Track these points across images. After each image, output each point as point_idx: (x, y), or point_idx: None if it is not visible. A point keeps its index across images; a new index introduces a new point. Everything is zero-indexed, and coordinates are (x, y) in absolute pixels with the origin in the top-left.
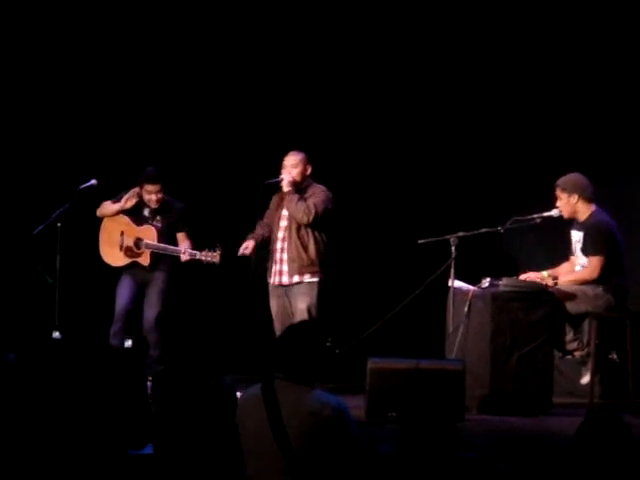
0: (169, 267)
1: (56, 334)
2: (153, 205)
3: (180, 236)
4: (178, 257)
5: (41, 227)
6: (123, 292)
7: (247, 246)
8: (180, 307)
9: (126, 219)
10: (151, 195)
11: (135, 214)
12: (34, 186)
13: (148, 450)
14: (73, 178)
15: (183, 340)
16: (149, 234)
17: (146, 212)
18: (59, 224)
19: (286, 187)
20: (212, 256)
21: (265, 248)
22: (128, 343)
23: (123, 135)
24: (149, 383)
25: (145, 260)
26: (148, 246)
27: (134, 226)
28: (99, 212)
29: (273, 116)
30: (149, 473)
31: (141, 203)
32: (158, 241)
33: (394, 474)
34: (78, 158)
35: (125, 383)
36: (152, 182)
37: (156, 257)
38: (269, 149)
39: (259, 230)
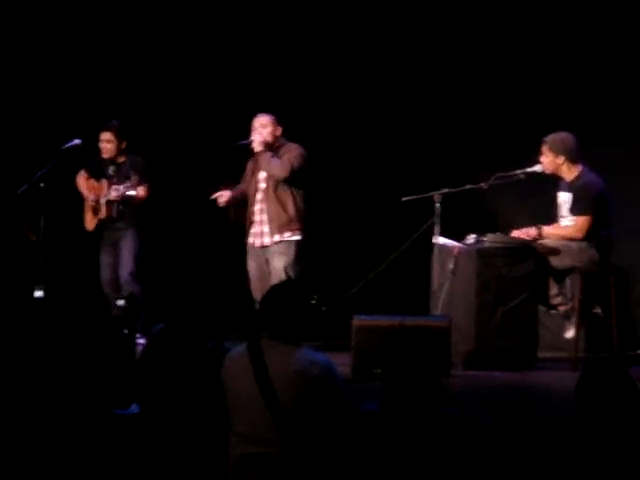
0: (136, 222)
1: (39, 293)
2: (105, 155)
3: (140, 189)
4: (142, 210)
5: (25, 187)
6: (102, 263)
7: (222, 194)
8: (172, 265)
9: (92, 182)
10: (102, 144)
11: (101, 175)
12: (18, 146)
13: (134, 410)
14: (57, 137)
15: (180, 300)
16: (102, 189)
17: (110, 170)
18: (43, 184)
19: (258, 147)
20: (130, 185)
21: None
22: (121, 302)
23: (106, 93)
24: (140, 341)
25: (102, 213)
26: (101, 200)
27: (96, 186)
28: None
29: (247, 76)
30: (135, 432)
31: (105, 163)
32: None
33: (379, 431)
34: (62, 117)
35: (112, 343)
36: (103, 129)
37: (117, 213)
38: (239, 112)
39: (237, 191)
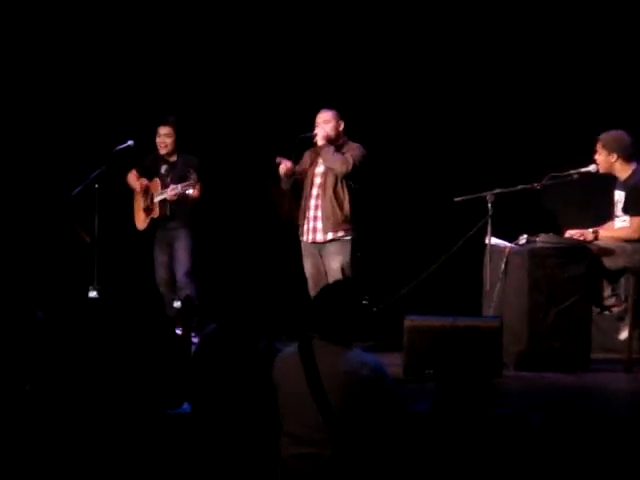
0: (189, 221)
1: (93, 293)
2: (162, 151)
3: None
4: (195, 210)
5: (80, 188)
6: (158, 264)
7: (286, 162)
8: (226, 265)
9: (144, 180)
10: (161, 138)
11: (153, 174)
12: (72, 148)
13: (186, 409)
14: (110, 139)
15: (234, 300)
16: (155, 186)
17: (163, 170)
18: (97, 185)
19: (320, 140)
20: (189, 184)
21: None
22: (177, 304)
23: (160, 95)
24: (194, 340)
25: (155, 213)
26: (154, 197)
27: (149, 185)
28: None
29: (306, 76)
30: (186, 432)
31: (157, 162)
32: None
33: (431, 432)
34: (115, 119)
35: (167, 343)
36: (162, 124)
37: (171, 212)
38: (301, 110)
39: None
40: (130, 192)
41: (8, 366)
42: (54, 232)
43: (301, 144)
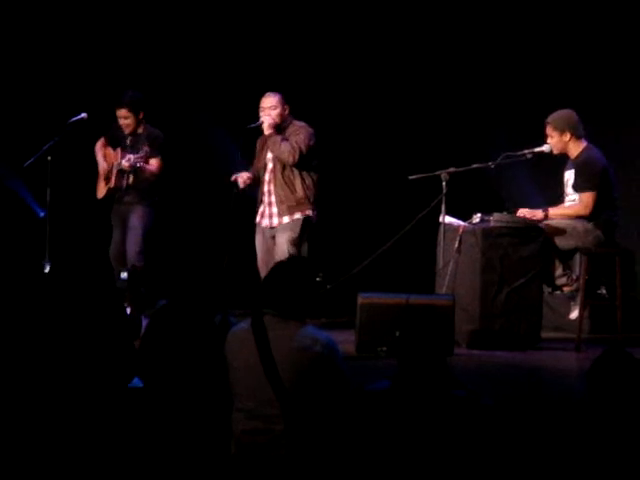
0: (146, 197)
1: (47, 267)
2: (126, 130)
3: (152, 162)
4: (156, 190)
5: (31, 160)
6: (112, 240)
7: (242, 175)
8: (181, 242)
9: (109, 150)
10: (120, 120)
11: (118, 144)
12: (24, 120)
13: (136, 383)
14: (63, 111)
15: (185, 275)
16: (116, 156)
17: (128, 141)
18: (49, 157)
19: (267, 130)
20: (140, 157)
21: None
22: (124, 275)
23: (113, 66)
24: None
25: (111, 182)
26: (113, 168)
27: (112, 154)
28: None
29: (253, 55)
30: (138, 406)
31: (122, 133)
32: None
33: (390, 410)
34: (68, 91)
35: (114, 315)
36: (117, 106)
37: (127, 184)
38: (245, 91)
39: (253, 171)
40: (86, 163)
41: None
42: (5, 205)
43: (249, 134)
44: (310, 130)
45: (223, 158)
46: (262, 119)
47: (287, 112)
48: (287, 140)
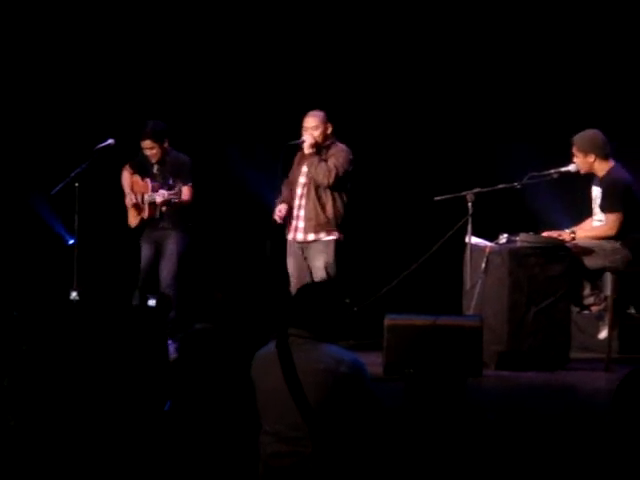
0: (180, 223)
1: (74, 294)
2: (153, 160)
3: (184, 190)
4: (191, 214)
5: (59, 187)
6: (142, 257)
7: (280, 209)
8: (215, 266)
9: (137, 178)
10: (146, 151)
11: (146, 172)
12: (52, 146)
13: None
14: (91, 138)
15: (223, 301)
16: (146, 187)
17: (155, 169)
18: (77, 184)
19: (307, 149)
20: (174, 193)
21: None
22: (152, 302)
23: (141, 93)
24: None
25: (145, 213)
26: (145, 199)
27: (140, 184)
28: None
29: (292, 75)
30: (165, 430)
31: (149, 161)
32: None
33: (400, 427)
34: (96, 118)
35: (145, 341)
36: (142, 138)
37: (161, 214)
38: (288, 109)
39: (285, 192)
40: (114, 190)
41: None
42: (34, 232)
43: (289, 151)
44: (350, 155)
45: (259, 178)
46: (304, 138)
47: (330, 131)
48: (326, 161)
